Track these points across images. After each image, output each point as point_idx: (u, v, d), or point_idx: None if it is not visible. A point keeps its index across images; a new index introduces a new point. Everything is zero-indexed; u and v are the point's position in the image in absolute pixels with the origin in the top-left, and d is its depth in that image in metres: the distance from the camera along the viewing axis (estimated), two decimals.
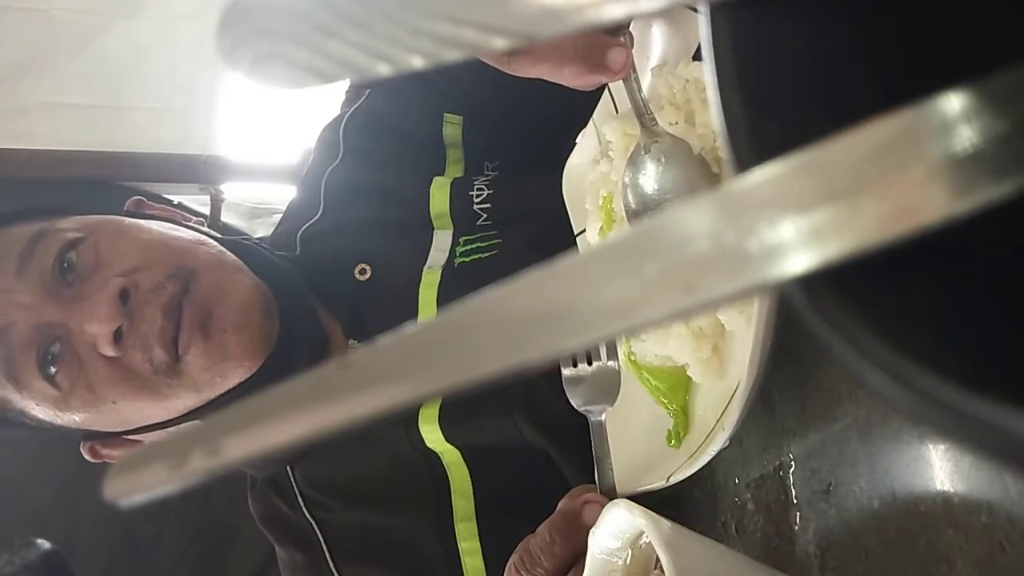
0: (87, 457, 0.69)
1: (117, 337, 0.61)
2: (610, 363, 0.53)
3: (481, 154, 0.82)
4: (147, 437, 0.68)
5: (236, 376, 0.65)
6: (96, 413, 0.64)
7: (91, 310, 0.61)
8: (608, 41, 0.41)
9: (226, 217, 1.60)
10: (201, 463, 0.17)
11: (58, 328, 0.62)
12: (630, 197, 0.46)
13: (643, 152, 0.45)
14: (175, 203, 1.57)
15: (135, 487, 0.18)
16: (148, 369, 0.62)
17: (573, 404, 0.53)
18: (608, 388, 0.52)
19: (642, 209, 0.45)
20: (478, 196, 0.77)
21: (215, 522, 1.51)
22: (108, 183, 1.52)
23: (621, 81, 0.43)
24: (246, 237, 1.09)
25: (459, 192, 0.77)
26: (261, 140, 1.68)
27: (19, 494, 1.37)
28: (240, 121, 1.64)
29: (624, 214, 0.48)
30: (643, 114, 0.45)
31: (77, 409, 0.64)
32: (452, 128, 0.83)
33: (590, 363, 0.53)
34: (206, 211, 1.57)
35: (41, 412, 0.64)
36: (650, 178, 0.45)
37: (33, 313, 0.62)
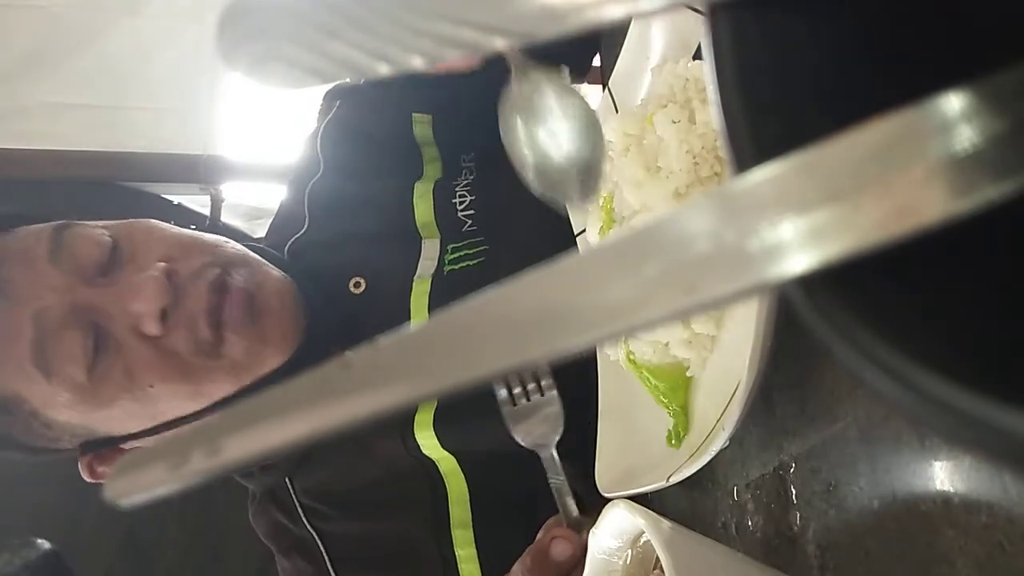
0: (84, 475, 0.67)
1: (162, 317, 0.61)
2: (549, 394, 0.50)
3: (455, 148, 0.83)
4: (146, 444, 0.67)
5: (270, 363, 0.65)
6: (128, 402, 0.62)
7: (138, 288, 0.61)
8: None
9: (226, 217, 1.60)
10: (201, 463, 0.17)
11: (93, 312, 0.61)
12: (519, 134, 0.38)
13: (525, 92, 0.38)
14: (175, 203, 1.57)
15: (135, 487, 0.18)
16: (191, 349, 0.62)
17: (519, 441, 0.50)
18: (551, 420, 0.50)
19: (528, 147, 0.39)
20: (461, 203, 0.77)
21: (215, 523, 1.51)
22: (108, 183, 1.52)
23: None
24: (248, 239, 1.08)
25: (442, 200, 0.78)
26: (261, 140, 1.68)
27: (20, 494, 1.37)
28: (240, 121, 1.64)
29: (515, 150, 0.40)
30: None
31: (106, 400, 0.62)
32: (422, 127, 0.83)
33: (528, 398, 0.50)
34: (206, 211, 1.56)
35: (57, 409, 0.62)
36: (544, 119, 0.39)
37: (67, 295, 0.60)
